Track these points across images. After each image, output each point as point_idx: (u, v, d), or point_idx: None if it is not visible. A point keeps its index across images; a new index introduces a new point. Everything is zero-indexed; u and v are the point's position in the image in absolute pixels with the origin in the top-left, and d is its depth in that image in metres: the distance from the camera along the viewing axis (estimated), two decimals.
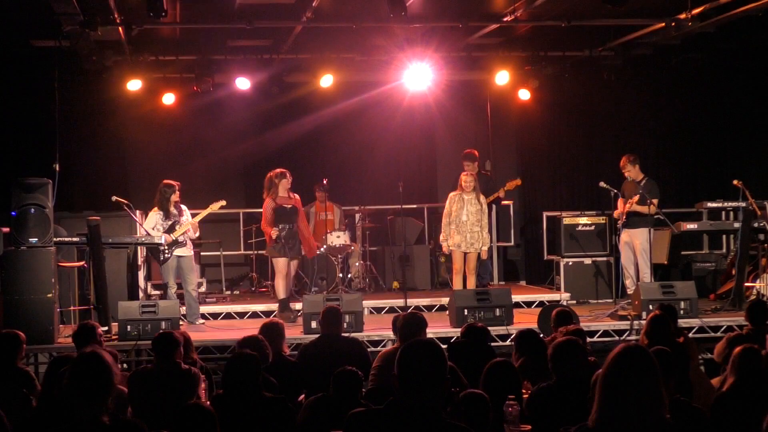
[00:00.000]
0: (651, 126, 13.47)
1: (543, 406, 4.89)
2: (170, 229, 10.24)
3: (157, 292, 11.59)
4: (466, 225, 10.60)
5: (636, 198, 10.57)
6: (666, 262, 11.83)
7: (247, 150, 13.25)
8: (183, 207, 10.43)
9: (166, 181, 10.37)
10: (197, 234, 10.52)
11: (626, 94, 13.21)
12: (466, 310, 9.59)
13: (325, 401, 5.37)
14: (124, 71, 11.89)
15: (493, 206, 12.32)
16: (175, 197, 10.33)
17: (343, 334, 7.64)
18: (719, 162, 13.23)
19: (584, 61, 12.56)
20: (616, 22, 11.30)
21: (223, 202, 10.53)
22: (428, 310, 10.71)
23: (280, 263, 10.50)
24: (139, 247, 10.75)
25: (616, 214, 10.94)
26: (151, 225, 10.22)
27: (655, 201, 10.73)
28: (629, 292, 10.63)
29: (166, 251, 10.19)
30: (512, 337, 9.25)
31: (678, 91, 13.17)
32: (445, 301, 10.61)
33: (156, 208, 10.31)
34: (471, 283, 10.71)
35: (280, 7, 10.56)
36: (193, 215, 10.44)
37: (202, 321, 10.47)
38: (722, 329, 9.58)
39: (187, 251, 10.34)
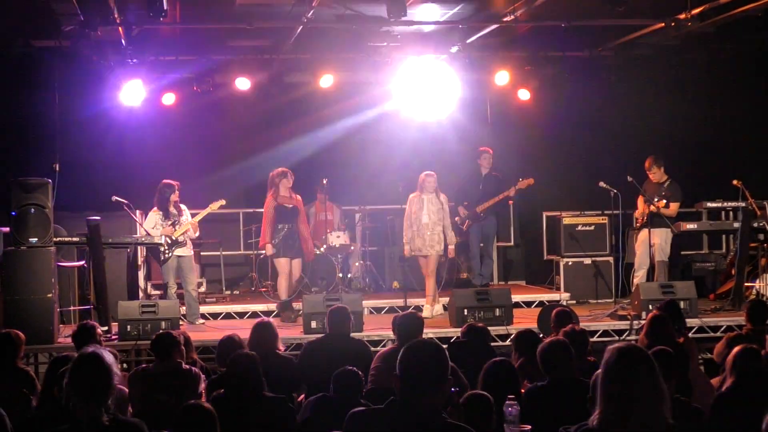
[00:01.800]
0: (651, 126, 13.45)
1: (536, 406, 4.90)
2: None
3: (157, 292, 11.59)
4: (428, 226, 10.56)
5: (663, 202, 10.59)
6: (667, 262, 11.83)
7: (247, 150, 13.25)
8: (182, 206, 10.44)
9: (165, 181, 10.40)
10: (197, 234, 10.53)
11: (626, 94, 13.20)
12: (465, 310, 9.60)
13: (325, 401, 5.37)
14: (124, 71, 11.88)
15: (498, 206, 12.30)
16: (174, 197, 10.34)
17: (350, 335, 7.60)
18: (719, 162, 13.22)
19: (584, 61, 12.55)
20: (616, 22, 11.29)
21: (223, 202, 10.55)
22: None
23: (281, 263, 10.53)
24: (139, 247, 10.75)
25: (636, 213, 10.95)
26: (150, 225, 10.24)
27: (674, 204, 10.72)
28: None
29: (167, 251, 10.19)
30: (512, 337, 9.27)
31: (678, 91, 13.16)
32: (445, 301, 10.61)
33: (155, 209, 10.33)
34: (430, 285, 10.68)
35: (280, 7, 10.56)
36: (193, 215, 10.45)
37: (202, 321, 10.48)
38: (722, 329, 9.59)
39: (187, 251, 10.35)
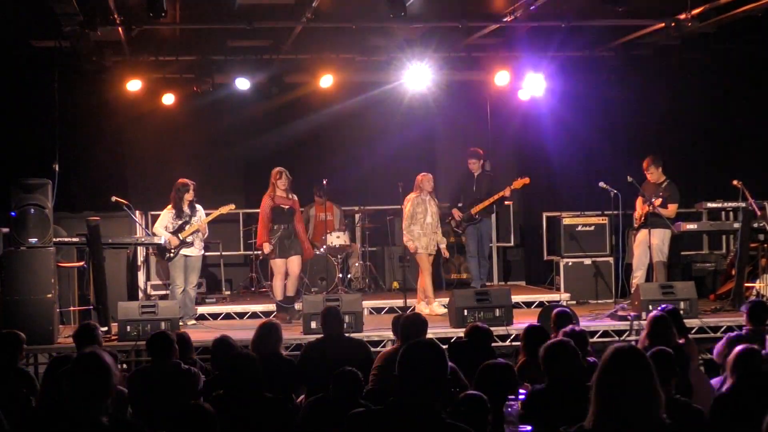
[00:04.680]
0: (651, 126, 13.46)
1: (539, 408, 4.89)
2: (179, 229, 10.27)
3: (157, 293, 11.59)
4: (431, 226, 10.66)
5: (659, 201, 10.58)
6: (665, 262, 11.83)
7: (247, 150, 13.25)
8: (198, 206, 10.45)
9: (181, 180, 10.43)
10: (206, 234, 10.52)
11: (626, 94, 13.19)
12: (465, 311, 9.59)
13: (325, 401, 5.36)
14: (124, 71, 11.90)
15: (494, 206, 12.31)
16: (188, 196, 10.38)
17: (345, 335, 7.61)
18: (719, 162, 13.22)
19: (584, 61, 12.55)
20: (616, 22, 11.29)
21: (233, 206, 10.62)
22: None
23: (277, 264, 10.51)
24: (138, 248, 10.75)
25: (636, 214, 10.95)
26: (162, 224, 10.26)
27: (672, 205, 10.71)
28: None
29: (172, 250, 10.20)
30: (512, 337, 9.27)
31: (678, 91, 13.16)
32: (445, 301, 10.60)
33: (170, 206, 10.34)
34: (429, 284, 10.75)
35: (280, 7, 10.56)
36: None
37: (193, 322, 10.42)
38: (722, 329, 9.58)
39: (194, 251, 10.37)
